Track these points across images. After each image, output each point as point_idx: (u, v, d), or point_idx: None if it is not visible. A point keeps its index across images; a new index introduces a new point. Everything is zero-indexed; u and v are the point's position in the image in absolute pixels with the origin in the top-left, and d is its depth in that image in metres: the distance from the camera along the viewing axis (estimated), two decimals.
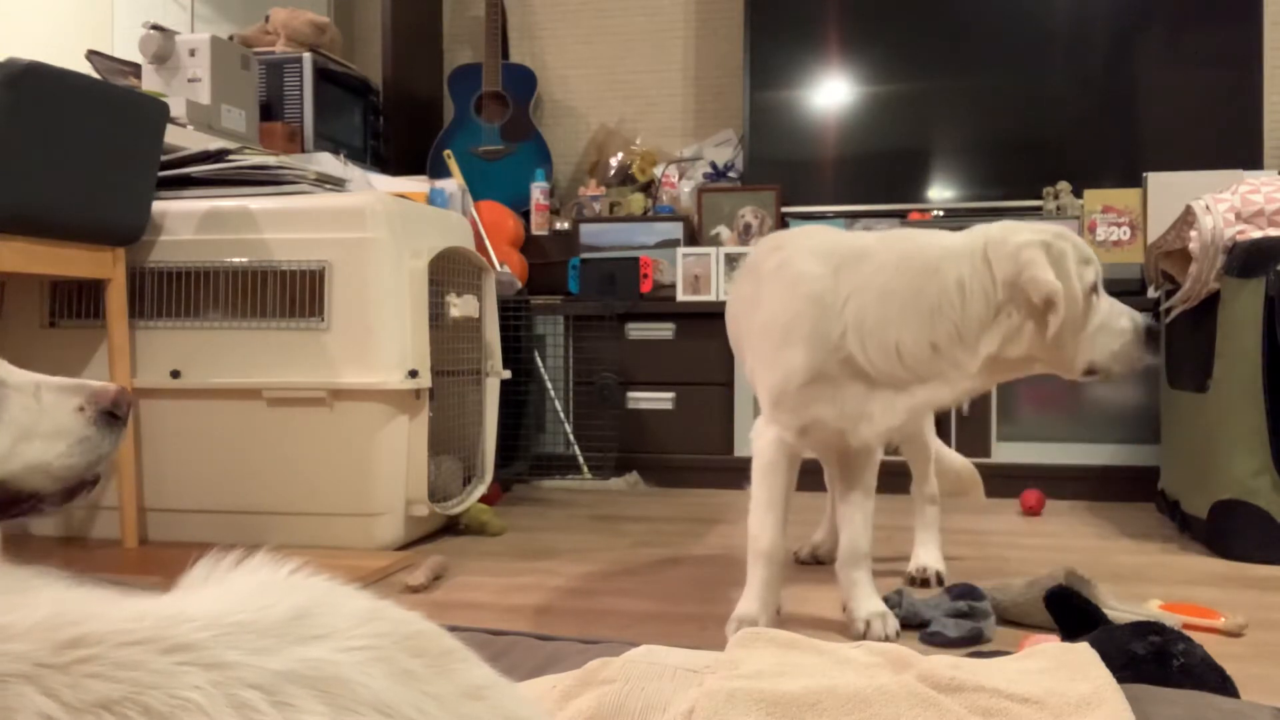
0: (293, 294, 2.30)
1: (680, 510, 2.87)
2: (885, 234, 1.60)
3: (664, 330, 3.34)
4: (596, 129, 4.12)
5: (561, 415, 3.36)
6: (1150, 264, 2.75)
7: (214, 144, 2.53)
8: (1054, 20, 3.56)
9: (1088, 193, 3.27)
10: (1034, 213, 3.35)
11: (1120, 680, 0.98)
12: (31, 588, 0.60)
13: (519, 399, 3.25)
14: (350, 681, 0.51)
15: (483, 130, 3.99)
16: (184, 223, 2.35)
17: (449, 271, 2.51)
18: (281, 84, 3.48)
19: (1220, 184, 2.38)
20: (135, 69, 2.94)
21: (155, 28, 2.83)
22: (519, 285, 3.36)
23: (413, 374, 2.29)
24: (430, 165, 3.93)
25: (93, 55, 2.94)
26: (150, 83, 2.84)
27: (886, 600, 1.65)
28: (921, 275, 1.48)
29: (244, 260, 2.31)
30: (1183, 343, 2.54)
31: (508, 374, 2.77)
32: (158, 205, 2.32)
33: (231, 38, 3.37)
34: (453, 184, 3.28)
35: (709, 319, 3.25)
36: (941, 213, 3.56)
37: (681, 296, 3.38)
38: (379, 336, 2.25)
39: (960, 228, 1.57)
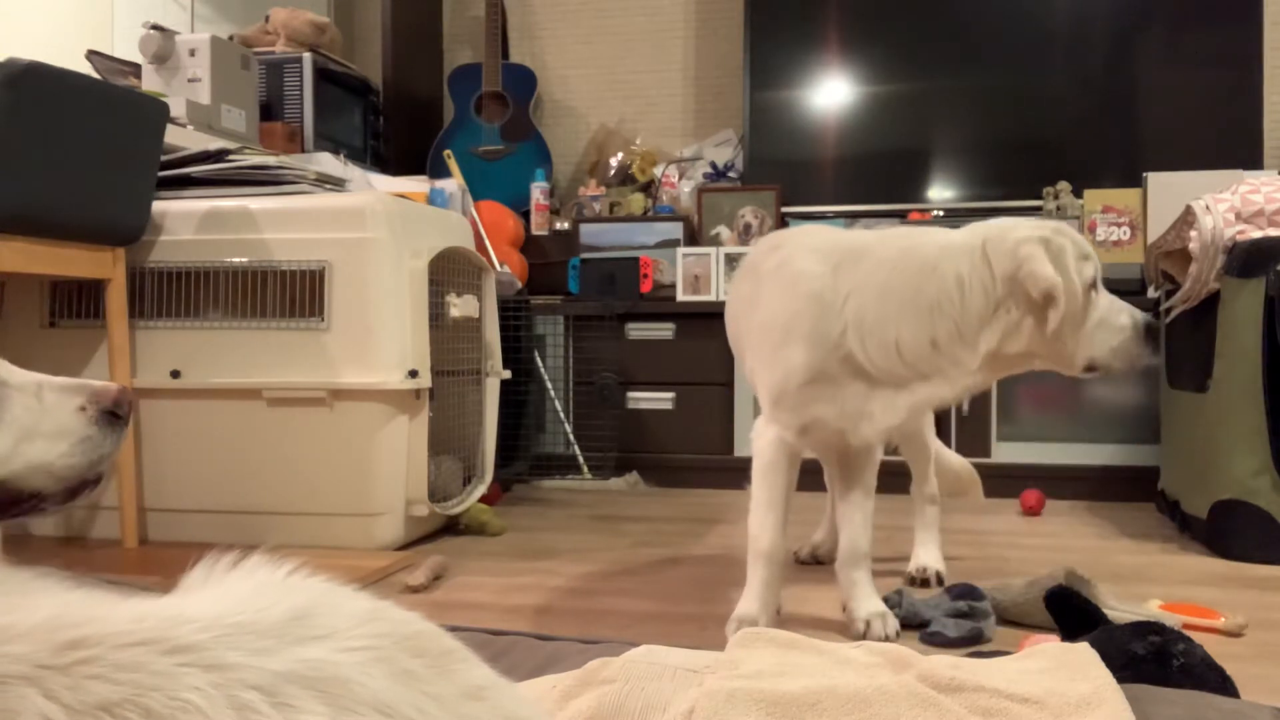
0: (293, 294, 2.30)
1: (680, 510, 2.87)
2: (884, 232, 1.60)
3: (664, 330, 3.34)
4: (596, 129, 4.12)
5: (561, 415, 3.36)
6: (1150, 264, 2.75)
7: (214, 144, 2.53)
8: (1054, 20, 3.56)
9: (1088, 193, 3.27)
10: (1034, 213, 3.35)
11: (1120, 680, 0.98)
12: (32, 589, 0.60)
13: (519, 399, 3.25)
14: (350, 682, 0.51)
15: (483, 130, 3.99)
16: (184, 223, 2.35)
17: (449, 271, 2.51)
18: (281, 84, 3.48)
19: (1220, 184, 2.38)
20: (135, 69, 2.94)
21: (155, 28, 2.83)
22: (519, 285, 3.36)
23: (413, 374, 2.29)
24: (430, 165, 3.93)
25: (93, 55, 2.94)
26: (150, 83, 2.84)
27: (886, 600, 1.65)
28: (921, 272, 1.48)
29: (244, 260, 2.31)
30: (1183, 343, 2.54)
31: (508, 374, 2.77)
32: (158, 205, 2.32)
33: (231, 38, 3.37)
34: (453, 184, 3.28)
35: (709, 319, 3.25)
36: (941, 213, 3.56)
37: (681, 296, 3.38)
38: (379, 336, 2.25)
39: (960, 227, 1.57)
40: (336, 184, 2.48)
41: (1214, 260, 2.26)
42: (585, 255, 3.52)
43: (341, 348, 2.25)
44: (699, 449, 3.29)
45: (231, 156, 2.41)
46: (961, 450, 2.47)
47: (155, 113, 2.24)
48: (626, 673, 1.00)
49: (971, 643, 1.52)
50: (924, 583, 1.94)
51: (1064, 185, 3.39)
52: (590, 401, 3.33)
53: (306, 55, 3.49)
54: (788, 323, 1.54)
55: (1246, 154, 3.32)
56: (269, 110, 3.41)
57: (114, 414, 0.91)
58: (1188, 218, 2.35)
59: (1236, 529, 2.21)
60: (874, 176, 3.66)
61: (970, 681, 0.96)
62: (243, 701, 0.47)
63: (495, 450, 2.71)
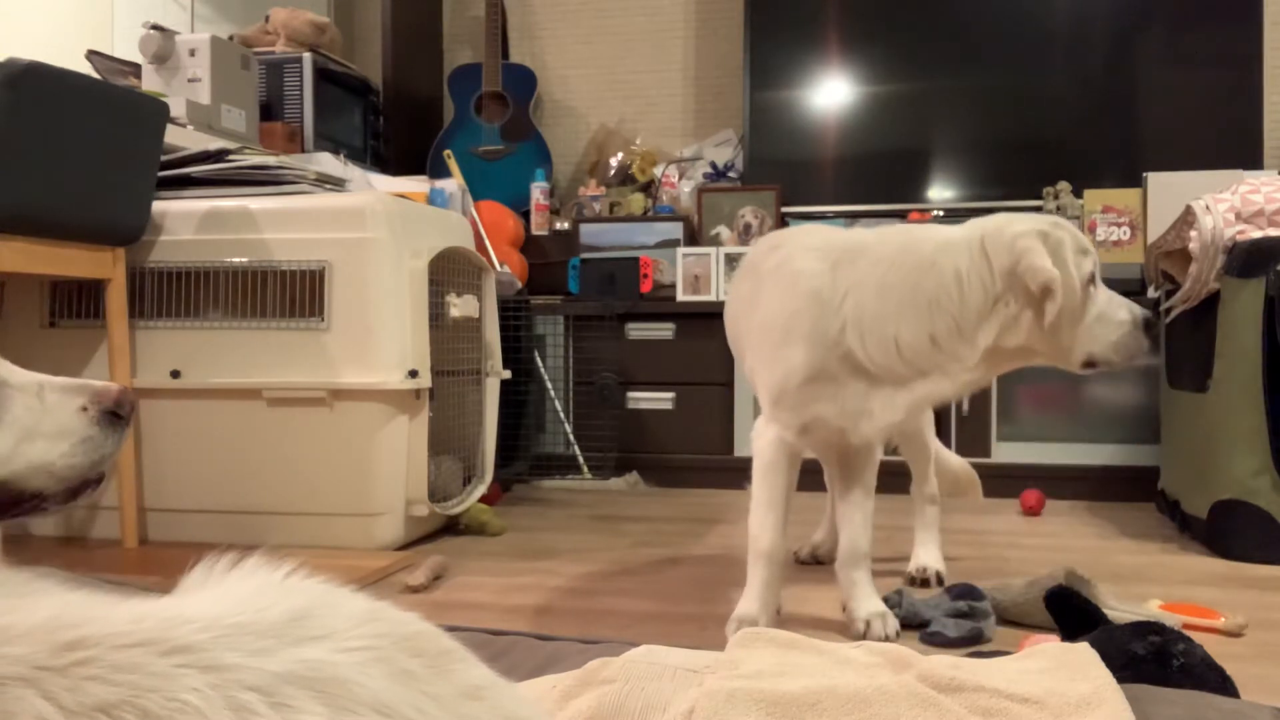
0: (293, 294, 2.30)
1: (680, 510, 2.86)
2: (882, 229, 1.60)
3: (664, 330, 3.34)
4: (596, 129, 4.12)
5: (561, 415, 3.36)
6: (1150, 264, 2.75)
7: (214, 144, 2.53)
8: (1054, 20, 3.56)
9: (1088, 193, 3.27)
10: (1034, 213, 3.35)
11: (1120, 680, 0.98)
12: (32, 590, 0.60)
13: (519, 399, 3.25)
14: (349, 682, 0.51)
15: (483, 130, 3.99)
16: (184, 223, 2.35)
17: (449, 271, 2.51)
18: (281, 84, 3.48)
19: (1220, 184, 2.38)
20: (135, 69, 2.94)
21: (155, 28, 2.83)
22: (519, 285, 3.36)
23: (413, 374, 2.29)
24: (430, 165, 3.93)
25: (93, 55, 2.94)
26: (150, 83, 2.84)
27: (886, 600, 1.65)
28: (919, 269, 1.48)
29: (244, 260, 2.31)
30: (1183, 343, 2.54)
31: (508, 374, 2.77)
32: (158, 205, 2.32)
33: (231, 38, 3.37)
34: (453, 184, 3.28)
35: (709, 319, 3.25)
36: (941, 213, 3.56)
37: (681, 296, 3.38)
38: (379, 336, 2.25)
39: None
40: (336, 184, 2.48)
41: (1214, 260, 2.26)
42: (585, 255, 3.52)
43: (341, 348, 2.25)
44: (699, 449, 3.29)
45: (231, 156, 2.41)
46: (961, 450, 2.47)
47: (155, 113, 2.24)
48: (626, 673, 1.00)
49: (971, 643, 1.52)
50: (924, 583, 1.93)
51: (1064, 185, 3.39)
52: (590, 401, 3.33)
53: (306, 55, 3.49)
54: (787, 322, 1.54)
55: (1246, 154, 3.32)
56: (269, 110, 3.41)
57: (115, 414, 0.91)
58: (1188, 218, 2.35)
59: (1236, 529, 2.21)
60: (874, 176, 3.66)
61: (970, 681, 0.96)
62: (241, 702, 0.47)
63: (495, 450, 2.71)
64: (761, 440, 1.61)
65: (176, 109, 2.64)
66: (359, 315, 2.25)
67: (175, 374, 2.31)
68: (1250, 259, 2.20)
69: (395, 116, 3.97)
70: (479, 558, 2.22)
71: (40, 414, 0.88)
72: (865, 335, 1.49)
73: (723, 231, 3.64)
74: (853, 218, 3.59)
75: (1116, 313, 1.48)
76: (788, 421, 1.58)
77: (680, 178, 3.89)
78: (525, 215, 3.78)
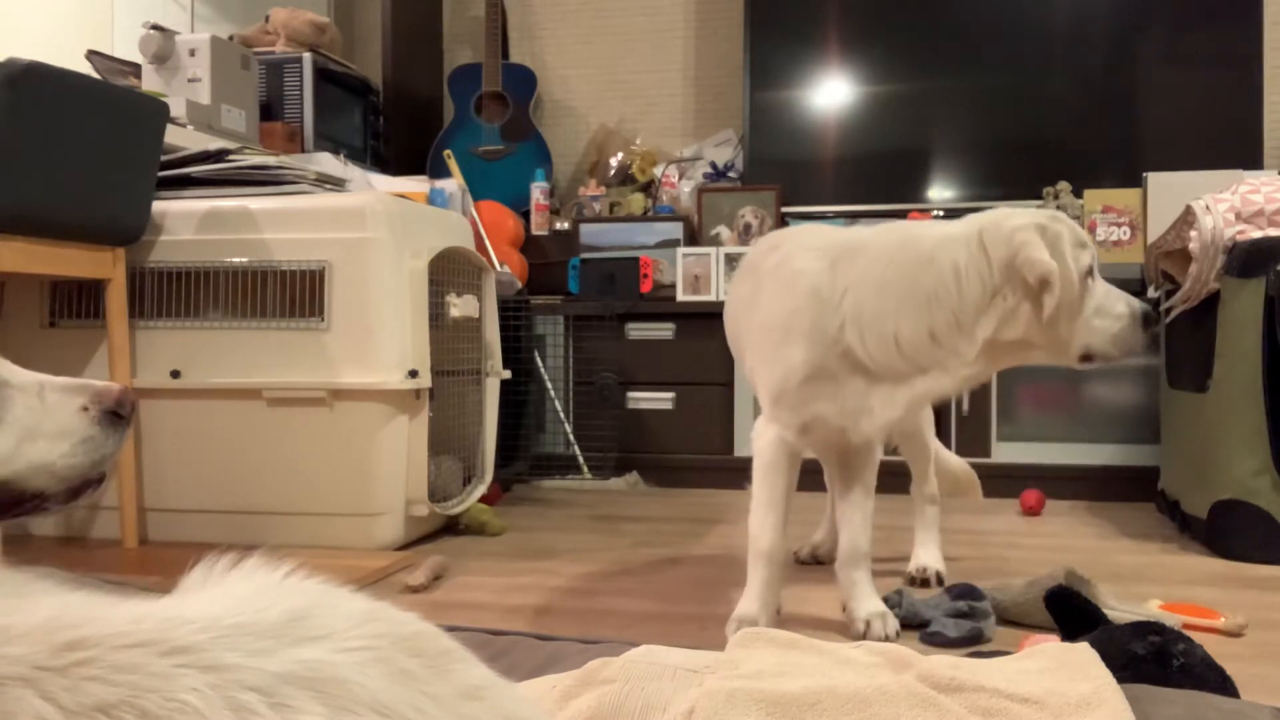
0: (293, 294, 2.30)
1: (680, 510, 2.86)
2: (880, 226, 1.60)
3: (664, 330, 3.34)
4: (596, 129, 4.12)
5: (561, 415, 3.36)
6: (1150, 264, 2.75)
7: (214, 144, 2.53)
8: (1054, 20, 3.56)
9: (1088, 193, 3.27)
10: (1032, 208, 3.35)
11: (1120, 680, 0.98)
12: (32, 590, 0.60)
13: (519, 399, 3.25)
14: (348, 682, 0.51)
15: (483, 130, 3.99)
16: (184, 223, 2.35)
17: (449, 271, 2.51)
18: (281, 84, 3.48)
19: (1220, 184, 2.37)
20: (135, 69, 2.94)
21: (155, 28, 2.83)
22: (519, 285, 3.36)
23: (413, 374, 2.29)
24: (430, 165, 3.93)
25: (93, 55, 2.94)
26: (150, 83, 2.84)
27: (886, 600, 1.65)
28: (917, 264, 1.48)
29: (244, 260, 2.31)
30: (1183, 343, 2.54)
31: (508, 374, 2.77)
32: (158, 205, 2.32)
33: (231, 38, 3.37)
34: (453, 184, 3.28)
35: (709, 319, 3.25)
36: (941, 213, 3.56)
37: (681, 296, 3.38)
38: (379, 336, 2.25)
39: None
40: (336, 184, 2.48)
41: (1214, 260, 2.26)
42: (585, 255, 3.52)
43: (341, 348, 2.25)
44: (699, 449, 3.29)
45: (231, 156, 2.41)
46: (961, 450, 2.47)
47: (155, 113, 2.24)
48: (626, 673, 1.00)
49: (971, 643, 1.52)
50: (924, 583, 1.93)
51: (1064, 185, 3.39)
52: (590, 401, 3.33)
53: (306, 55, 3.49)
54: (786, 321, 1.54)
55: (1246, 154, 3.32)
56: (269, 110, 3.41)
57: (116, 414, 0.91)
58: (1188, 218, 2.35)
59: (1236, 529, 2.21)
60: (874, 176, 3.66)
61: (970, 681, 0.96)
62: (240, 702, 0.47)
63: (495, 450, 2.71)
64: (762, 440, 1.61)
65: (176, 109, 2.64)
66: (359, 315, 2.25)
67: (175, 374, 2.31)
68: (1250, 259, 2.20)
69: (395, 116, 3.97)
70: (479, 558, 2.22)
71: (41, 414, 0.88)
72: (865, 332, 1.49)
73: (723, 231, 3.64)
74: (853, 218, 3.59)
75: (1115, 306, 1.48)
76: (788, 421, 1.58)
77: (680, 178, 3.89)
78: (525, 215, 3.78)
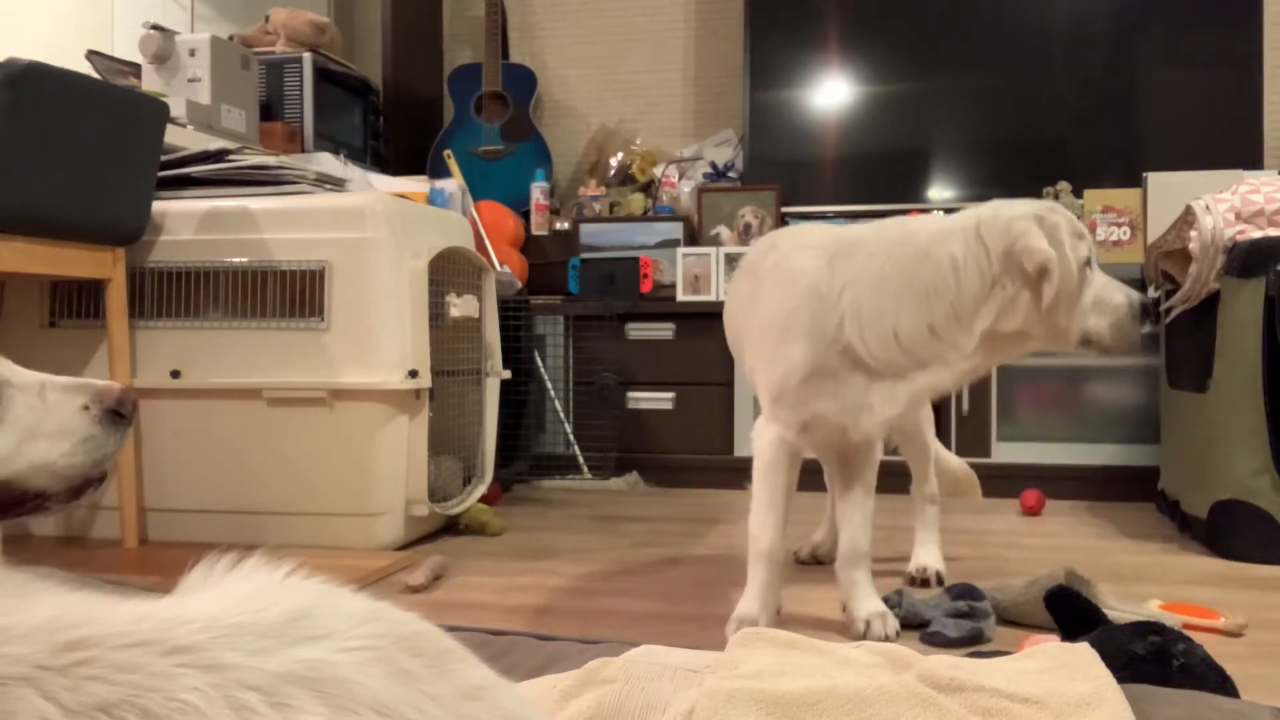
0: (293, 294, 2.30)
1: (680, 510, 2.87)
2: (878, 223, 1.60)
3: (664, 330, 3.34)
4: (596, 129, 4.12)
5: (561, 415, 3.36)
6: (1150, 264, 2.75)
7: (214, 144, 2.53)
8: (1054, 20, 3.56)
9: (1088, 193, 3.27)
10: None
11: (1120, 680, 0.98)
12: (32, 590, 0.60)
13: (519, 399, 3.25)
14: (348, 682, 0.51)
15: (483, 130, 3.99)
16: (184, 223, 2.35)
17: (449, 271, 2.51)
18: (281, 84, 3.48)
19: (1220, 184, 2.38)
20: (135, 69, 2.94)
21: (155, 28, 2.83)
22: (519, 285, 3.36)
23: (413, 374, 2.29)
24: (430, 165, 3.93)
25: (93, 55, 2.94)
26: (150, 83, 2.84)
27: (886, 600, 1.65)
28: (915, 259, 1.48)
29: (244, 260, 2.31)
30: (1183, 343, 2.54)
31: (508, 374, 2.77)
32: (158, 205, 2.32)
33: (231, 38, 3.37)
34: (453, 184, 3.28)
35: (709, 319, 3.25)
36: (941, 213, 3.56)
37: (681, 296, 3.38)
38: (379, 336, 2.25)
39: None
40: (336, 184, 2.48)
41: (1214, 260, 2.26)
42: (585, 255, 3.52)
43: (341, 348, 2.25)
44: (699, 449, 3.29)
45: (231, 156, 2.41)
46: (961, 450, 2.47)
47: (155, 113, 2.24)
48: (626, 673, 1.00)
49: (971, 643, 1.52)
50: (924, 583, 1.93)
51: (1064, 185, 3.39)
52: (590, 401, 3.33)
53: (306, 55, 3.49)
54: (786, 319, 1.54)
55: (1246, 154, 3.32)
56: (269, 110, 3.41)
57: (117, 413, 0.91)
58: (1188, 218, 2.35)
59: (1236, 529, 2.21)
60: (874, 176, 3.66)
61: (970, 681, 0.96)
62: (241, 702, 0.47)
63: (495, 450, 2.71)
64: (762, 440, 1.61)
65: (176, 109, 2.64)
66: (359, 315, 2.25)
67: (175, 374, 2.31)
68: (1250, 259, 2.20)
69: (395, 116, 3.97)
70: (479, 558, 2.22)
71: (42, 413, 0.88)
72: (864, 328, 1.49)
73: (723, 231, 3.64)
74: (853, 217, 3.59)
75: (1113, 296, 1.48)
76: (788, 420, 1.58)
77: (680, 178, 3.89)
78: (525, 215, 3.78)
